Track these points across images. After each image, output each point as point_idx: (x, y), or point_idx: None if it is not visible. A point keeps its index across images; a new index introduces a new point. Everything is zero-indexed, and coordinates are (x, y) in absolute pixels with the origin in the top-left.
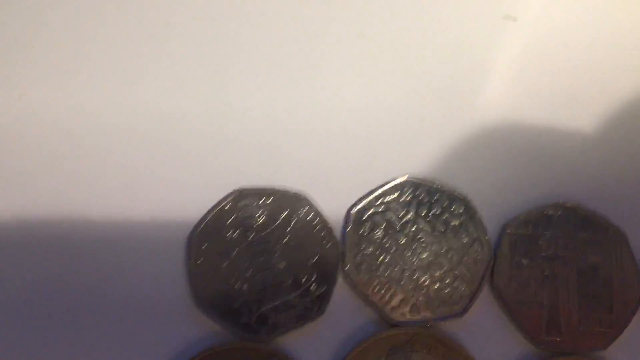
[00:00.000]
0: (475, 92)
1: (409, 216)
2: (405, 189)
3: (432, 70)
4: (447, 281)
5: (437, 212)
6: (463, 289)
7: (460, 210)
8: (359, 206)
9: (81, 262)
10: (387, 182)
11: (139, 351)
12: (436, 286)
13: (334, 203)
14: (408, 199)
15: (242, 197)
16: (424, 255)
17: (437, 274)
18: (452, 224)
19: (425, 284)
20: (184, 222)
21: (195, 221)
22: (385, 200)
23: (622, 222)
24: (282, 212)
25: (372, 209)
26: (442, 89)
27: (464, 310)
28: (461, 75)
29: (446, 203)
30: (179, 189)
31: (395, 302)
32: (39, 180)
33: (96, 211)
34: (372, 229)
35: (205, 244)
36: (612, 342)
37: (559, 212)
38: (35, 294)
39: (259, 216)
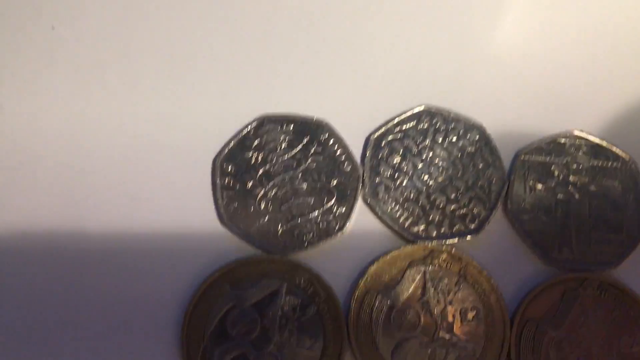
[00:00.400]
0: (489, 27)
1: (426, 142)
2: (422, 117)
3: (448, 5)
4: (462, 202)
5: (453, 140)
6: (478, 210)
7: (476, 138)
8: (378, 133)
9: (118, 187)
10: (405, 112)
11: (170, 263)
12: (452, 207)
13: (353, 130)
14: (425, 126)
15: (264, 123)
16: (440, 179)
17: (452, 196)
18: (468, 150)
19: (442, 205)
20: (210, 147)
21: (221, 146)
22: (403, 128)
23: (630, 150)
24: (303, 138)
25: (391, 136)
26: (458, 24)
27: (479, 229)
28: (476, 11)
29: (462, 131)
30: (205, 117)
31: (412, 220)
32: None
33: (128, 136)
34: (391, 154)
35: (230, 167)
36: (622, 260)
37: (571, 140)
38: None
39: (281, 141)
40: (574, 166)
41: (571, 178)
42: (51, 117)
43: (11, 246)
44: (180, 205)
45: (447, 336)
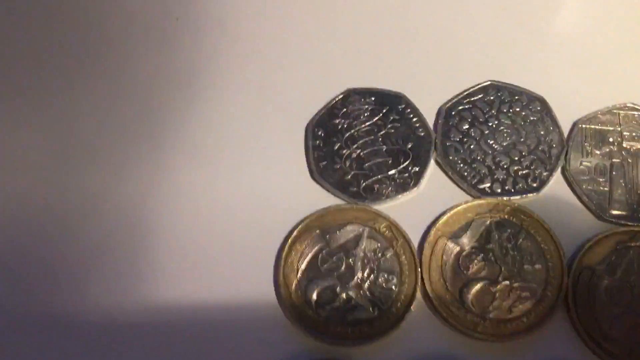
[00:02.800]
0: (551, 7)
1: (492, 112)
2: (489, 91)
3: None
4: (525, 164)
5: (517, 109)
6: (539, 171)
7: (538, 108)
8: (449, 104)
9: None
10: (474, 86)
11: (269, 211)
12: (515, 168)
13: (427, 102)
14: (492, 98)
15: (350, 95)
16: (505, 143)
17: (516, 158)
18: (531, 118)
19: (506, 165)
20: (303, 115)
21: (313, 114)
22: (472, 99)
23: None
24: (383, 108)
25: (461, 106)
26: (522, 5)
27: (540, 187)
28: None
29: (525, 102)
30: (300, 89)
31: (478, 179)
32: None
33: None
34: (460, 122)
35: (321, 131)
36: None
37: (625, 111)
38: None
39: (364, 111)
40: (627, 134)
41: (625, 144)
42: None
43: None
44: (279, 163)
45: (509, 279)
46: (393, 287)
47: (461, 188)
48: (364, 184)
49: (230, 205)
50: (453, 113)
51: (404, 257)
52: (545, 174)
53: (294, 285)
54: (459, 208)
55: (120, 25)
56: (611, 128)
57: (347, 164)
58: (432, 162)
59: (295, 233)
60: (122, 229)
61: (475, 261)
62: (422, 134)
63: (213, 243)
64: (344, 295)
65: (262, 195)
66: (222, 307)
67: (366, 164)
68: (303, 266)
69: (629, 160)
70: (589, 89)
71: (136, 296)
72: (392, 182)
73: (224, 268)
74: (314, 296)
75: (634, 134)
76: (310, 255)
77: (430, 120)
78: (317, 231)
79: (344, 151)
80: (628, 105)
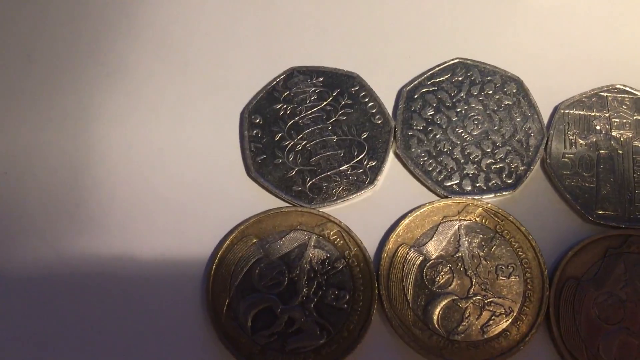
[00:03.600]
0: None
1: (461, 95)
2: (457, 70)
3: None
4: (499, 156)
5: (490, 92)
6: (515, 164)
7: (514, 90)
8: (410, 85)
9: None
10: (439, 65)
11: (197, 216)
12: (488, 161)
13: (385, 83)
14: (460, 78)
15: (293, 75)
16: (476, 132)
17: (488, 150)
18: (505, 102)
19: (477, 158)
20: (238, 100)
21: (249, 97)
22: (437, 80)
23: None
24: (333, 90)
25: (424, 88)
26: None
27: (516, 184)
28: None
29: (499, 83)
30: (234, 69)
31: (445, 174)
32: None
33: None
34: (424, 107)
35: (259, 118)
36: None
37: (614, 94)
38: None
39: (311, 94)
40: (617, 120)
41: (614, 132)
42: None
43: None
44: (209, 158)
45: (481, 294)
46: (345, 305)
47: (425, 186)
48: (310, 182)
49: (150, 209)
50: (415, 96)
51: (357, 269)
52: (522, 168)
53: (225, 306)
54: (422, 210)
55: None
56: (598, 114)
57: (291, 158)
58: (390, 155)
59: (227, 243)
60: None
61: (442, 273)
62: (379, 121)
63: (134, 256)
64: (285, 317)
65: (187, 197)
66: (150, 329)
67: (313, 158)
68: (237, 282)
69: (619, 152)
70: (572, 69)
71: None
72: (344, 180)
73: (147, 286)
74: (249, 319)
75: (624, 120)
76: (245, 270)
77: (388, 105)
78: (254, 240)
79: (287, 143)
80: (617, 87)
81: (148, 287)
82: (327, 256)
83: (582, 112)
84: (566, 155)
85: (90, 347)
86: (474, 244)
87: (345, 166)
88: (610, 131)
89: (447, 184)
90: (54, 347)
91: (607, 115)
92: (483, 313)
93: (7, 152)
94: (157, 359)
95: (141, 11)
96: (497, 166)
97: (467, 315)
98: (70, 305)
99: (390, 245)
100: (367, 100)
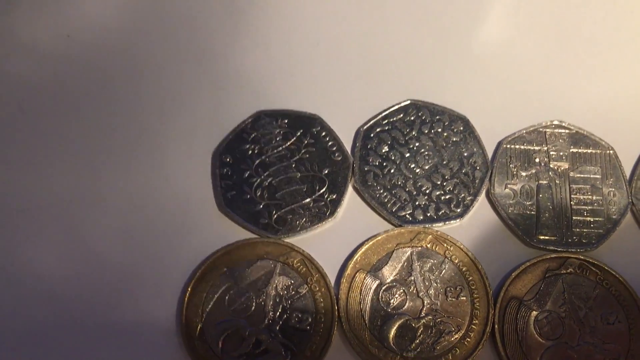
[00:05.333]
0: (472, 25)
1: (413, 133)
2: (409, 110)
3: (432, 5)
4: (448, 188)
5: (439, 130)
6: (463, 195)
7: (461, 128)
8: (367, 125)
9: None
10: (393, 105)
11: (171, 247)
12: (437, 192)
13: (344, 123)
14: (412, 118)
15: (260, 118)
16: (426, 167)
17: (438, 182)
18: (453, 139)
19: (428, 190)
20: (210, 140)
21: (220, 139)
22: (391, 120)
23: (607, 138)
24: (297, 131)
25: (379, 128)
26: (442, 22)
27: (463, 213)
28: (460, 10)
29: (447, 122)
30: (206, 113)
31: (399, 205)
32: None
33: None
34: (379, 144)
35: (229, 158)
36: (602, 242)
37: (552, 129)
38: None
39: (276, 134)
40: (555, 153)
41: (552, 164)
42: None
43: None
44: (182, 194)
45: (432, 313)
46: (307, 327)
47: (381, 216)
48: (275, 215)
49: (127, 240)
50: (371, 135)
51: (319, 294)
52: (469, 198)
53: (197, 331)
54: (378, 238)
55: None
56: (537, 148)
57: (258, 193)
58: (349, 188)
59: (199, 273)
60: None
61: (397, 295)
62: (339, 158)
63: (113, 281)
64: (253, 338)
65: (162, 229)
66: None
67: (278, 193)
68: (208, 309)
69: (557, 181)
70: (513, 107)
71: None
72: (307, 212)
73: (124, 308)
74: (220, 343)
75: (561, 153)
76: (216, 297)
77: (347, 144)
78: (225, 269)
79: (254, 179)
80: (554, 123)
81: (126, 313)
82: (291, 282)
83: (523, 147)
84: (509, 185)
85: None
86: (425, 268)
87: (308, 200)
88: (549, 163)
89: (401, 214)
90: None
91: (545, 148)
92: (434, 331)
93: None
94: None
95: (118, 61)
96: (446, 197)
97: (419, 333)
98: (45, 329)
99: (349, 271)
100: (327, 139)
